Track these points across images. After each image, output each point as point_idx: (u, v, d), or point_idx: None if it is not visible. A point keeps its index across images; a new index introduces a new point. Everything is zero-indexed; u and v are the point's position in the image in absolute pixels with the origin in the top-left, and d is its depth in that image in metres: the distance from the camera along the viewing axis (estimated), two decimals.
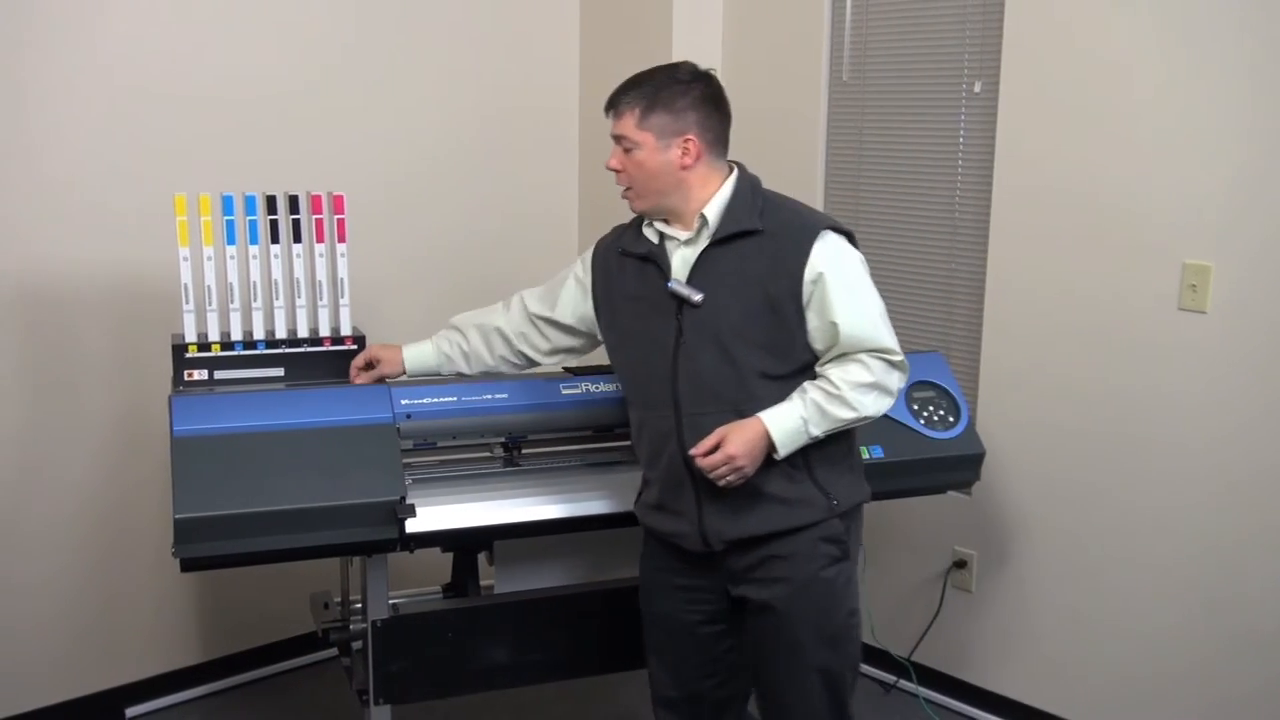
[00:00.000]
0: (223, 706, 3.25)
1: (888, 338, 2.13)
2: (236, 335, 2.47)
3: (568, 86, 3.79)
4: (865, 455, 2.52)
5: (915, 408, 2.67)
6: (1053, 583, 3.05)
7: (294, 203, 2.47)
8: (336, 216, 2.49)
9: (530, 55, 3.69)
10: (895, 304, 3.30)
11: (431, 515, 2.30)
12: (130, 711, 3.17)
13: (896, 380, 2.14)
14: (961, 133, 3.13)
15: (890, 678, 3.40)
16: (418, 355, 2.46)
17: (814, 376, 2.14)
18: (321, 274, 2.50)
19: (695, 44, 3.52)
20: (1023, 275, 3.00)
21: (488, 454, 2.57)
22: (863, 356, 2.10)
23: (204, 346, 2.45)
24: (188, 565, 2.18)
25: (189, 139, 3.03)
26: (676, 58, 3.54)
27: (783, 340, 2.12)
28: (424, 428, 2.41)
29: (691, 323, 2.13)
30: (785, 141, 3.47)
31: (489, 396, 2.45)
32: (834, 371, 2.11)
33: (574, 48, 3.80)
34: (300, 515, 2.17)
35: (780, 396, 2.10)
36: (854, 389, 2.08)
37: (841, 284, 2.10)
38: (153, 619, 3.19)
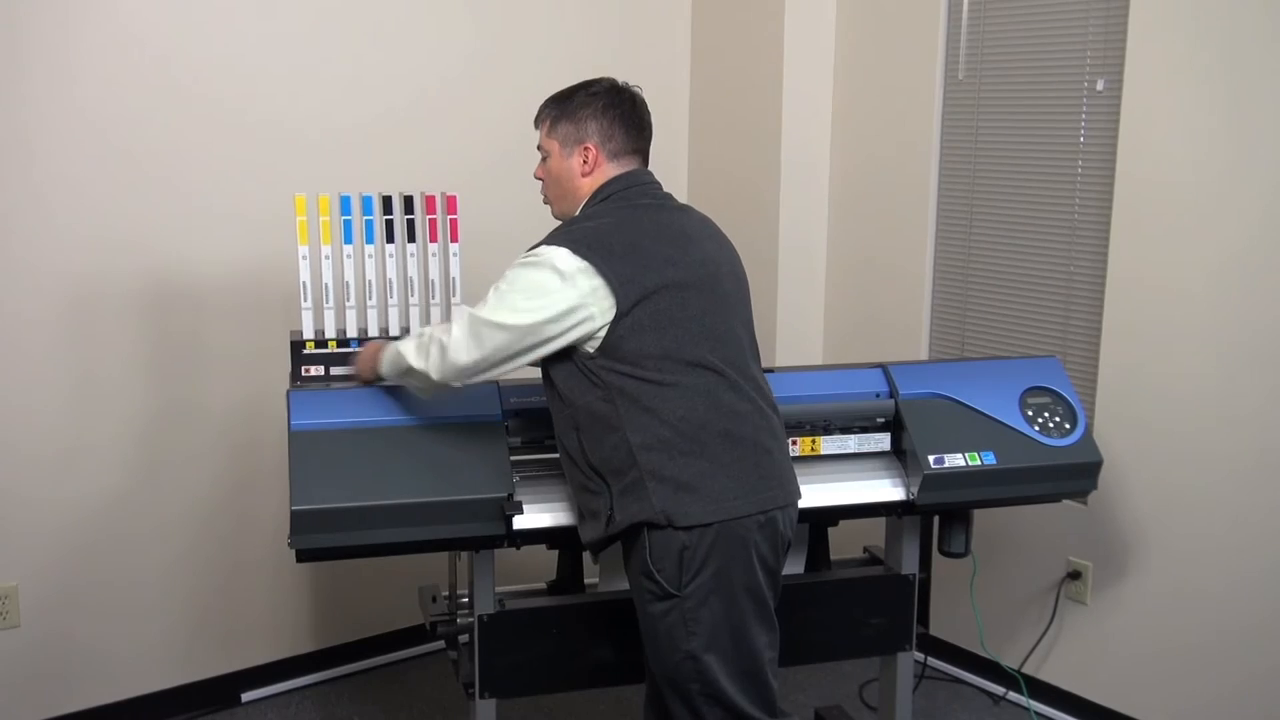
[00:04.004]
0: (333, 694, 3.32)
1: (458, 321, 2.11)
2: (352, 333, 2.53)
3: (677, 88, 3.80)
4: (976, 460, 2.48)
5: (1030, 413, 2.59)
6: (1171, 598, 2.94)
7: (409, 203, 2.52)
8: (449, 216, 2.53)
9: (640, 54, 3.70)
10: (1010, 306, 3.25)
11: (538, 513, 2.32)
12: (245, 696, 3.26)
13: (437, 352, 2.12)
14: (1082, 132, 3.04)
15: (999, 689, 3.33)
16: None
17: (596, 381, 2.08)
18: (435, 273, 2.54)
19: (808, 42, 3.49)
20: (1146, 279, 2.91)
21: None
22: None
23: (321, 343, 2.50)
24: (303, 556, 2.23)
25: (311, 142, 3.11)
26: (789, 57, 3.57)
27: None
28: (532, 426, 2.42)
29: None
30: (898, 141, 3.41)
31: None
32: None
33: (684, 46, 3.79)
34: (411, 509, 2.21)
35: (562, 393, 2.12)
36: (418, 336, 2.20)
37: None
38: (268, 608, 3.28)
